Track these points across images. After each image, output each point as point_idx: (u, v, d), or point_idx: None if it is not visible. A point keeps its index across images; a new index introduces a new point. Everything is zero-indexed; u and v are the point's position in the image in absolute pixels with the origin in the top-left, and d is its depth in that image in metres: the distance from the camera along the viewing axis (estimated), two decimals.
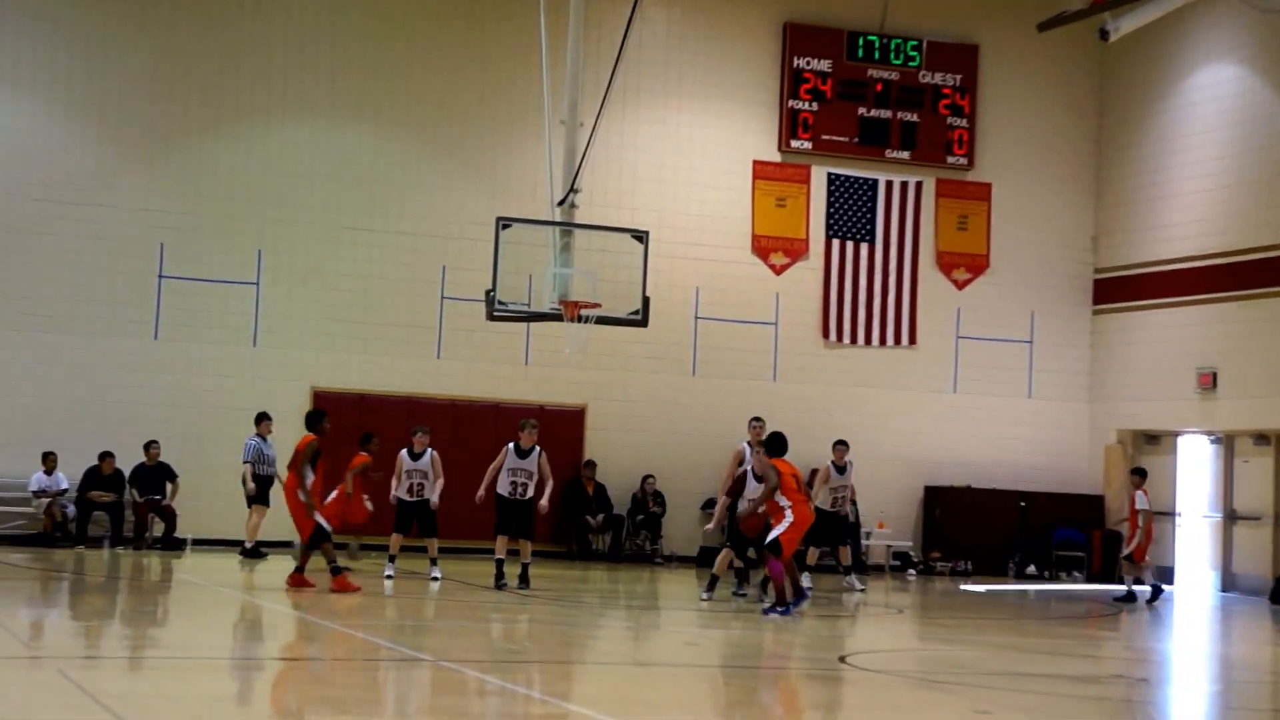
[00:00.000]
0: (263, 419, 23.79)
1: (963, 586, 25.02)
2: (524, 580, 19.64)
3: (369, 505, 20.66)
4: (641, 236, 22.38)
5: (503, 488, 19.59)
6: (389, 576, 19.94)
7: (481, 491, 19.60)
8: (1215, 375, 26.74)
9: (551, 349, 26.07)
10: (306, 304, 26.06)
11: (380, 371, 26.13)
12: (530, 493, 19.53)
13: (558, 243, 22.04)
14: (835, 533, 22.08)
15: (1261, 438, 26.21)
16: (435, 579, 19.80)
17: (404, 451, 20.10)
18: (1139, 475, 22.94)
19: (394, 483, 20.10)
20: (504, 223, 21.99)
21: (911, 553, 27.65)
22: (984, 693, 13.23)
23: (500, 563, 19.71)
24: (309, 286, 26.09)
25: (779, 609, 17.61)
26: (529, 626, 16.25)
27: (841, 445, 22.25)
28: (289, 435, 25.39)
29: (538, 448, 19.67)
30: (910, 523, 28.11)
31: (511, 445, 19.69)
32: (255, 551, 23.51)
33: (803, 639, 16.60)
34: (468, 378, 26.48)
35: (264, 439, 23.71)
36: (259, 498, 23.47)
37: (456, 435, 25.79)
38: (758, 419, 20.28)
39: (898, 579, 26.22)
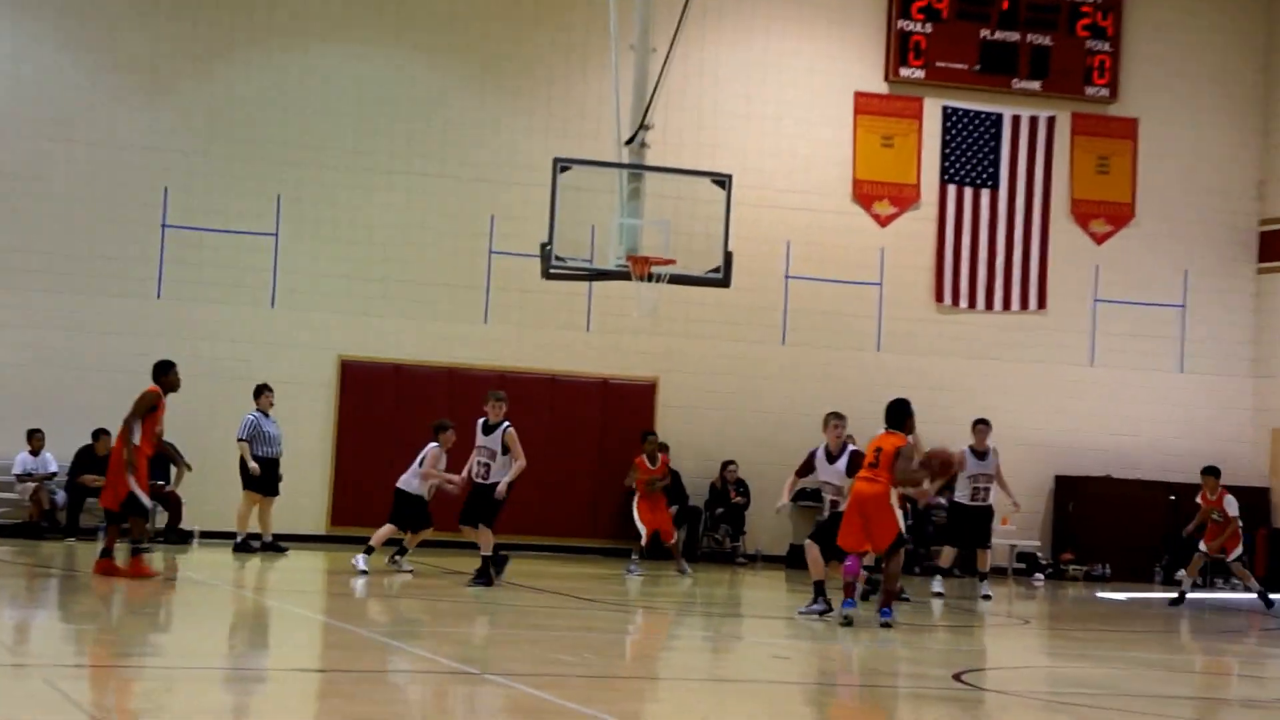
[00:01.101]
0: (263, 391, 24.00)
1: (1100, 594, 24.91)
2: (480, 576, 19.67)
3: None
4: (723, 181, 22.40)
5: (470, 469, 19.74)
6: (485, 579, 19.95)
7: (464, 474, 19.78)
8: None
9: (617, 313, 26.13)
10: (333, 260, 26.22)
11: (418, 338, 26.27)
12: (494, 476, 19.64)
13: (625, 189, 22.10)
14: (975, 532, 22.00)
15: None
16: (479, 582, 19.80)
17: (481, 422, 20.04)
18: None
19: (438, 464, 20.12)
20: (562, 165, 22.04)
21: (1039, 554, 27.56)
22: (1122, 717, 13.19)
23: (487, 560, 19.81)
24: (336, 239, 26.24)
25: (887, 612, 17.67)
26: (589, 636, 16.31)
27: (983, 425, 22.25)
28: (312, 412, 25.66)
29: (505, 423, 19.68)
30: (1038, 519, 28.01)
31: (481, 421, 19.74)
32: (274, 546, 23.75)
33: (911, 653, 16.59)
34: (519, 346, 26.59)
35: (265, 414, 23.91)
36: (260, 483, 23.67)
37: (507, 413, 25.78)
38: (837, 416, 20.32)
39: (1023, 584, 26.14)
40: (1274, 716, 13.76)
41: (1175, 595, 23.34)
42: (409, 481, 21.57)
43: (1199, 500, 23.29)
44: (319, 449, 25.92)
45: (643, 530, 23.25)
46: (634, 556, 23.80)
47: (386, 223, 26.35)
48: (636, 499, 23.34)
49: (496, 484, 19.66)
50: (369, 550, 21.23)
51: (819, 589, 18.43)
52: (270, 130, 26.16)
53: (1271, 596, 23.42)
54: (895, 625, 17.50)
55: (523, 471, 19.77)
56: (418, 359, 26.19)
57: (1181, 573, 23.83)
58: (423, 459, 21.47)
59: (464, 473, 20.03)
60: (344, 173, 26.27)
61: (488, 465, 19.71)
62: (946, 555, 22.33)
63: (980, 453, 22.03)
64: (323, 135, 26.28)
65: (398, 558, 21.81)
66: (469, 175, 26.58)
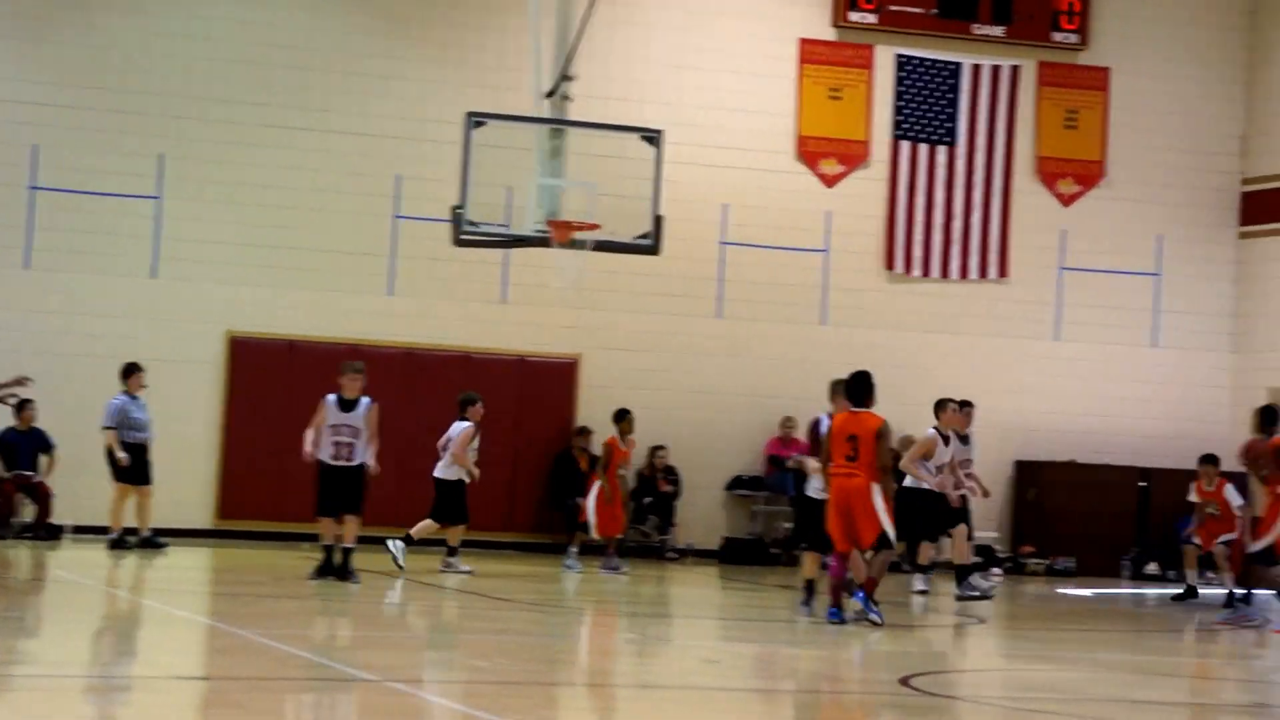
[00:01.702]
0: (133, 371, 23.98)
1: (1063, 590, 25.17)
2: (344, 571, 19.72)
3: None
4: (654, 138, 22.51)
5: (324, 452, 19.74)
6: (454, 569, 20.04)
7: (308, 448, 19.71)
8: None
9: (536, 283, 26.20)
10: (221, 225, 26.20)
11: (316, 312, 26.28)
12: (358, 456, 19.70)
13: (545, 146, 22.17)
14: (956, 522, 22.21)
15: None
16: (351, 577, 19.80)
17: (333, 398, 20.05)
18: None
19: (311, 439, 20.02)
20: (476, 120, 22.10)
21: (997, 547, 27.79)
22: None
23: (330, 549, 19.87)
24: (225, 203, 26.22)
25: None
26: (502, 639, 16.43)
27: (969, 407, 22.43)
28: (197, 394, 25.65)
29: (366, 398, 19.79)
30: (996, 508, 28.18)
31: (333, 397, 19.79)
32: (152, 541, 23.75)
33: (856, 656, 16.77)
34: (428, 320, 26.62)
35: (133, 397, 23.92)
36: (130, 473, 23.67)
37: (414, 392, 25.95)
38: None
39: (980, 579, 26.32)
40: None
41: (1181, 590, 23.56)
42: (444, 469, 21.78)
43: (1193, 493, 23.23)
44: (204, 435, 25.91)
45: (594, 522, 23.39)
46: (573, 550, 23.90)
47: (281, 185, 26.32)
48: (598, 487, 23.37)
49: (361, 467, 19.73)
50: (408, 540, 21.49)
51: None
52: (153, 83, 26.08)
53: (1249, 592, 23.51)
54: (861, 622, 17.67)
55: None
56: (315, 335, 26.19)
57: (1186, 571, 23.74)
58: (448, 440, 21.65)
59: (310, 453, 19.83)
60: (234, 130, 26.22)
61: (351, 445, 19.72)
62: (926, 551, 22.50)
63: (964, 436, 22.23)
64: (210, 89, 26.22)
65: (451, 559, 22.00)
66: (372, 132, 26.58)
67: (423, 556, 22.79)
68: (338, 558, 19.87)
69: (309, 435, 19.81)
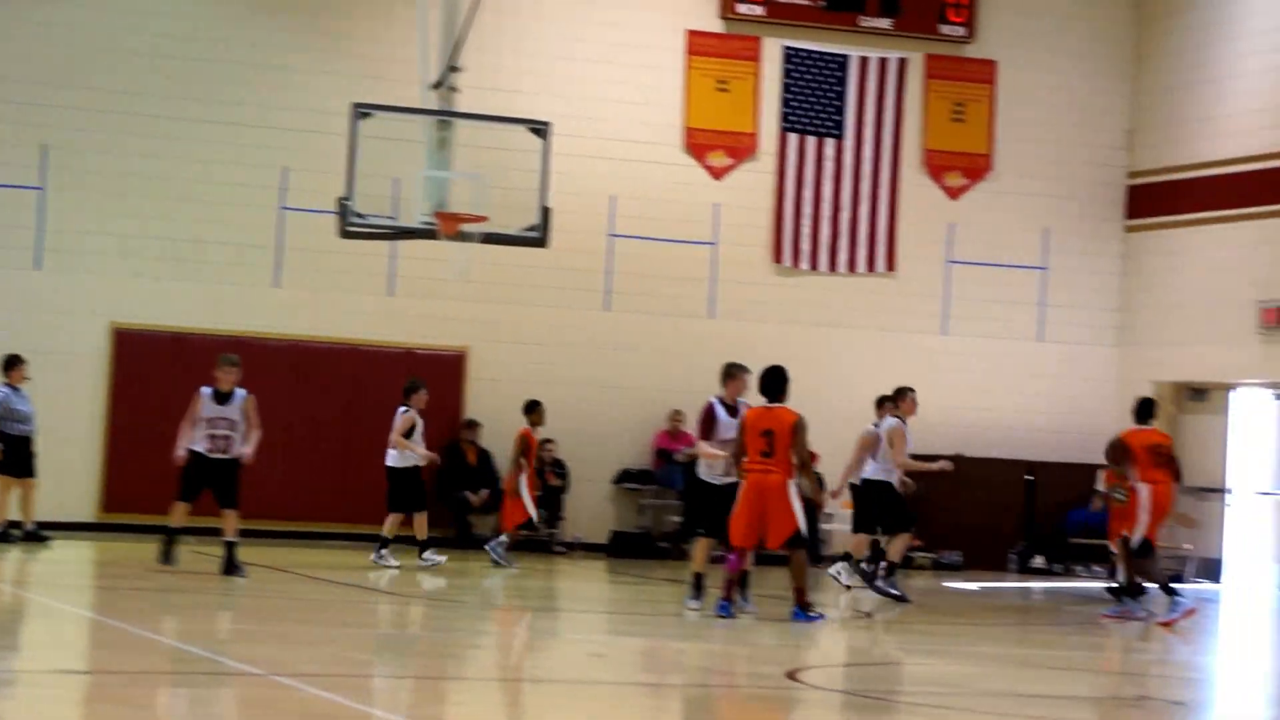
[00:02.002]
0: (15, 363, 23.80)
1: (949, 584, 25.38)
2: (231, 565, 19.73)
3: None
4: (541, 130, 22.54)
5: (199, 444, 19.76)
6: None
7: (180, 451, 19.72)
8: None
9: (424, 276, 26.20)
10: (105, 216, 26.04)
11: (202, 304, 26.17)
12: (235, 449, 19.74)
13: (432, 138, 22.18)
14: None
15: None
16: (235, 568, 19.78)
17: (208, 391, 20.03)
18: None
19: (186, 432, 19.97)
20: (362, 111, 22.07)
21: (881, 540, 27.95)
22: (967, 717, 13.53)
23: (174, 534, 19.90)
24: (109, 194, 26.06)
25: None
26: (387, 633, 16.44)
27: (913, 393, 22.53)
28: (81, 386, 25.49)
29: (242, 390, 19.82)
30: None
31: (208, 390, 19.82)
32: (36, 535, 23.62)
33: (744, 650, 16.87)
34: (315, 312, 26.56)
35: (15, 389, 23.77)
36: (12, 465, 23.53)
37: (301, 384, 25.90)
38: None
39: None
40: (1135, 714, 14.20)
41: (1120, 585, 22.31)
42: (393, 457, 21.83)
43: (1101, 481, 22.96)
44: (88, 428, 25.77)
45: (534, 512, 23.46)
46: (504, 539, 23.81)
47: (166, 176, 26.18)
48: (524, 477, 23.39)
49: (238, 459, 19.75)
50: (383, 544, 21.69)
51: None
52: (36, 73, 25.90)
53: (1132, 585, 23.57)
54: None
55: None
56: (200, 326, 26.05)
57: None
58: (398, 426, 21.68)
59: (180, 456, 19.83)
60: (118, 120, 26.06)
61: (228, 437, 19.75)
62: (860, 543, 22.56)
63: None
64: (95, 79, 26.04)
65: (425, 554, 22.01)
66: (258, 123, 26.47)
67: (324, 552, 22.72)
68: (218, 552, 19.92)
69: (184, 428, 19.78)
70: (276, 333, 26.24)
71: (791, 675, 14.40)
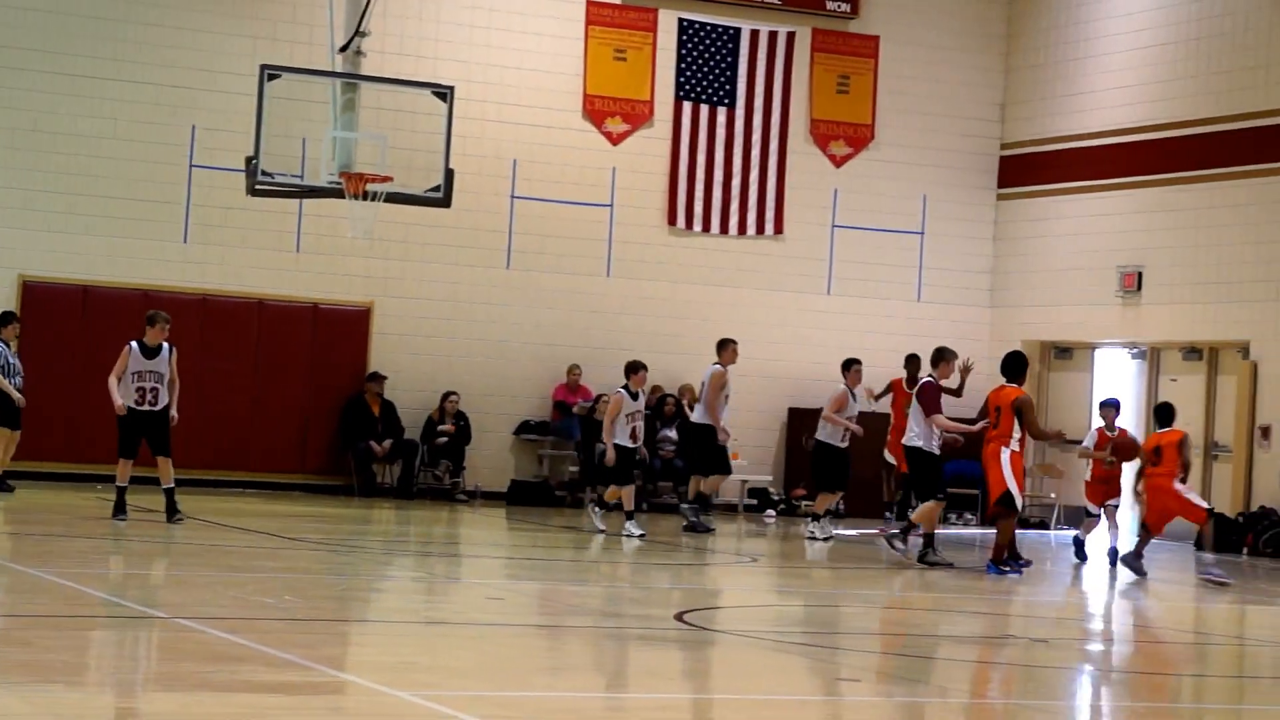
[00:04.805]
0: (6, 321, 22.75)
1: (833, 530, 25.32)
2: (172, 511, 19.47)
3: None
4: (444, 94, 22.23)
5: (128, 396, 19.48)
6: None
7: (119, 403, 19.38)
8: (1141, 276, 27.26)
9: (330, 233, 25.81)
10: (14, 171, 25.47)
11: (110, 258, 25.65)
12: (163, 400, 19.53)
13: (339, 100, 21.83)
14: (842, 473, 22.57)
15: (1193, 351, 26.81)
16: (175, 516, 19.47)
17: (136, 345, 19.63)
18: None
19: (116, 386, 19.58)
20: (270, 72, 21.68)
21: (771, 489, 27.91)
22: (852, 656, 13.44)
23: (123, 490, 19.54)
24: (17, 149, 25.49)
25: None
26: (291, 578, 16.16)
27: (858, 366, 22.68)
28: None
29: (168, 344, 19.52)
30: (770, 453, 28.36)
31: (135, 344, 19.52)
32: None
33: (634, 594, 16.77)
34: (223, 268, 26.13)
35: (7, 344, 22.90)
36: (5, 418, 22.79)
37: (208, 339, 25.47)
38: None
39: (754, 521, 26.49)
40: (1002, 652, 14.12)
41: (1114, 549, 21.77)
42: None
43: (1091, 439, 22.15)
44: None
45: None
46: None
47: (74, 132, 25.61)
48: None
49: (165, 410, 19.51)
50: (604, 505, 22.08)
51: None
52: None
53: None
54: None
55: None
56: (109, 280, 25.52)
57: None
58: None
59: (121, 404, 19.42)
60: (28, 77, 25.44)
61: (156, 390, 19.50)
62: (822, 500, 22.48)
63: (854, 393, 22.28)
64: (4, 36, 25.40)
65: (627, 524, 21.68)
66: (167, 81, 25.93)
67: (230, 499, 22.33)
68: (156, 500, 19.62)
69: (113, 382, 19.42)
70: (185, 287, 25.75)
71: (679, 617, 14.29)
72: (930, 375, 20.49)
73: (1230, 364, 26.31)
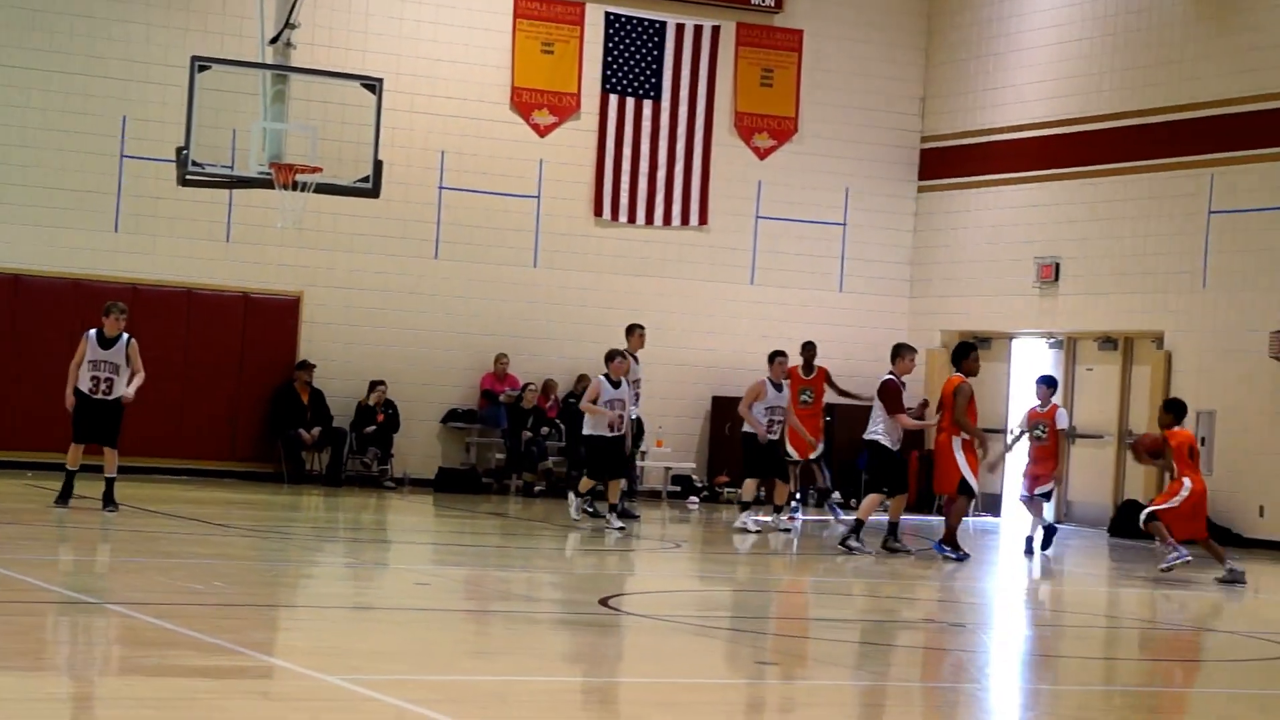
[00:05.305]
0: None
1: (755, 517, 25.43)
2: (109, 500, 19.38)
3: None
4: (374, 86, 22.20)
5: (83, 383, 19.38)
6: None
7: (68, 392, 19.33)
8: (1057, 267, 27.48)
9: (260, 223, 25.74)
10: None
11: (41, 247, 25.52)
12: (117, 390, 19.41)
13: (269, 91, 21.76)
14: (774, 462, 22.26)
15: (1108, 341, 27.06)
16: (111, 508, 19.41)
17: (93, 334, 19.55)
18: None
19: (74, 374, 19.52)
20: (200, 64, 21.61)
21: (694, 477, 28.02)
22: (771, 640, 13.55)
23: (72, 475, 19.44)
24: None
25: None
26: (220, 564, 16.16)
27: (782, 357, 22.42)
28: None
29: (126, 335, 19.48)
30: (694, 441, 28.47)
31: (93, 332, 19.47)
32: None
33: (559, 579, 16.84)
34: (154, 257, 26.03)
35: None
36: None
37: (138, 328, 25.24)
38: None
39: (678, 508, 26.57)
40: (919, 636, 14.28)
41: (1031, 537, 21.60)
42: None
43: (1023, 420, 22.05)
44: None
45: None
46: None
47: (4, 122, 25.43)
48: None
49: (120, 400, 19.36)
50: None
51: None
52: None
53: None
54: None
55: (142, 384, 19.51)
56: (40, 269, 25.39)
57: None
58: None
59: (70, 389, 19.37)
60: None
61: (111, 380, 19.38)
62: (749, 488, 22.40)
63: (778, 384, 22.21)
64: None
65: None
66: (98, 72, 25.80)
67: (161, 486, 22.27)
68: (100, 488, 19.42)
69: (71, 370, 19.34)
70: (116, 276, 25.63)
71: (604, 602, 14.37)
72: (890, 372, 20.35)
73: (1145, 354, 26.58)
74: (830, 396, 24.70)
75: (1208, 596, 18.12)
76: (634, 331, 22.89)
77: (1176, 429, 19.32)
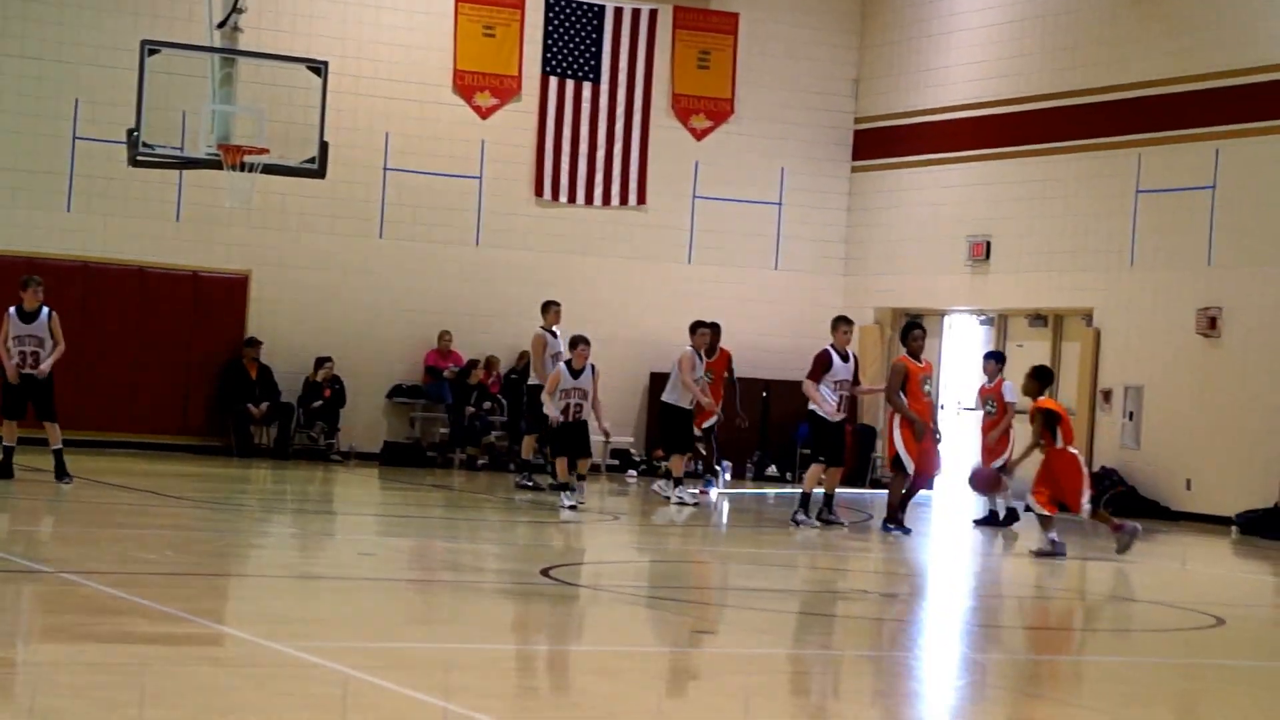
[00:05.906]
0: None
1: (692, 489, 25.62)
2: (61, 472, 19.44)
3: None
4: (319, 69, 22.26)
5: (11, 360, 19.46)
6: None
7: (8, 368, 19.39)
8: (989, 245, 27.71)
9: (208, 203, 25.75)
10: None
11: None
12: (44, 362, 19.46)
13: (217, 74, 21.79)
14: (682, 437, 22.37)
15: (1038, 318, 27.29)
16: (65, 479, 19.44)
17: (14, 310, 19.58)
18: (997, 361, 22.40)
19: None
20: (150, 47, 21.63)
21: (632, 450, 28.19)
22: (708, 610, 13.73)
23: (10, 450, 19.49)
24: None
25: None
26: (172, 534, 16.26)
27: (707, 329, 22.65)
28: None
29: (46, 308, 19.51)
30: (632, 415, 28.62)
31: (13, 309, 19.53)
32: None
33: (502, 550, 16.98)
34: (105, 236, 26.05)
35: None
36: None
37: (90, 305, 25.41)
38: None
39: (616, 481, 26.73)
40: (853, 606, 14.48)
41: (988, 514, 21.70)
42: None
43: (977, 398, 22.28)
44: None
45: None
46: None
47: None
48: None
49: (50, 375, 19.47)
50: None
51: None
52: None
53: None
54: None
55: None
56: None
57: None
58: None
59: (10, 368, 19.40)
60: None
61: (36, 354, 19.44)
62: (677, 462, 22.41)
63: (700, 354, 22.34)
64: None
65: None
66: (50, 55, 25.78)
67: (114, 459, 22.29)
68: (46, 462, 19.58)
69: (2, 349, 19.34)
70: (67, 255, 25.67)
71: (545, 572, 14.50)
72: (830, 344, 20.32)
73: (1074, 330, 26.83)
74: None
75: (1136, 567, 18.37)
76: (549, 308, 22.99)
77: (1042, 398, 18.58)
